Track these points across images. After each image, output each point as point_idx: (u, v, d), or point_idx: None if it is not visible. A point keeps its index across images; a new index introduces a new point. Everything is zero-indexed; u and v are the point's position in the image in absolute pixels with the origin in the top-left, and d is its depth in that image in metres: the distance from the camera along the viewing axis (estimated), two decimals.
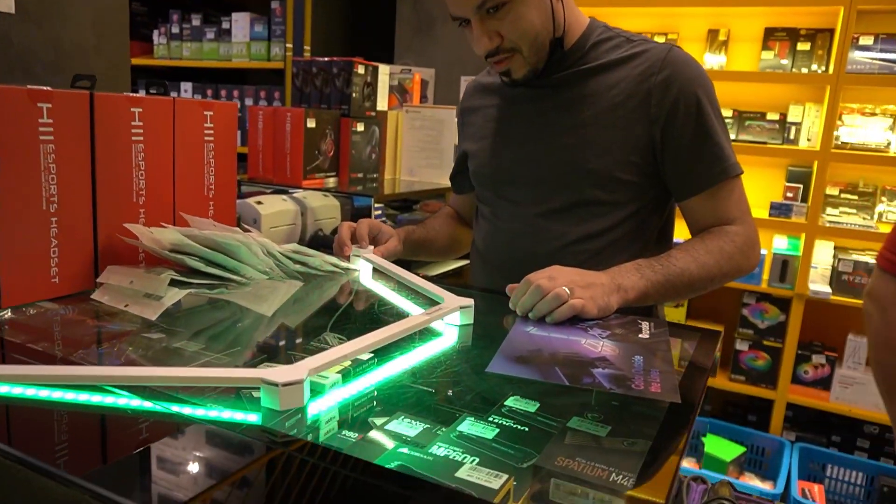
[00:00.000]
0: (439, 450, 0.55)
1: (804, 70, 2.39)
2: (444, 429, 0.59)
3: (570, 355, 0.77)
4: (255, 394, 0.59)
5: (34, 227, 0.84)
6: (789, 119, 2.44)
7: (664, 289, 0.99)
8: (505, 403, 0.65)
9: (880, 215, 2.40)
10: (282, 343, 0.84)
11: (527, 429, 0.60)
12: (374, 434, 0.57)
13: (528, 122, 1.15)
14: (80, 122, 0.87)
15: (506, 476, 0.52)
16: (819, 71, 2.37)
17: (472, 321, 0.85)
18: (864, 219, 2.39)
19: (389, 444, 0.56)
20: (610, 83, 1.08)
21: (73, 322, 0.81)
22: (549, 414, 0.64)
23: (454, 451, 0.55)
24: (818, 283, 2.37)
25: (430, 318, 0.78)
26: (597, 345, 0.81)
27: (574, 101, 1.10)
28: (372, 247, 1.12)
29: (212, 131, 1.05)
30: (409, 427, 0.59)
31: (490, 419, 0.62)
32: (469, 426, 0.60)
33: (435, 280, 1.00)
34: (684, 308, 2.61)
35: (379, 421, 0.60)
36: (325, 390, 0.62)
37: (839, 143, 2.31)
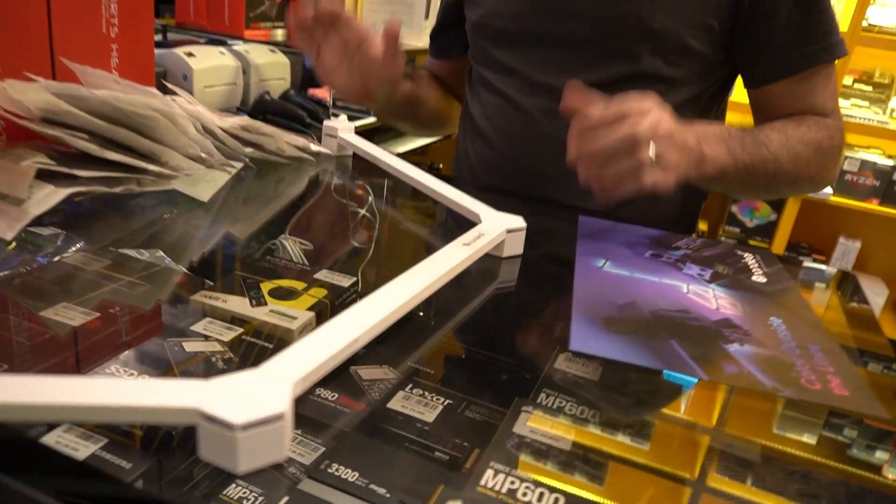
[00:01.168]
0: (496, 480, 0.31)
1: None
2: (479, 413, 0.36)
3: (681, 317, 0.51)
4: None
5: None
6: None
7: (744, 175, 0.71)
8: (556, 367, 0.42)
9: (892, 111, 2.18)
10: (223, 254, 0.55)
11: (596, 414, 0.37)
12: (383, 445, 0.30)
13: None
14: None
15: None
16: None
17: (521, 251, 0.57)
18: (876, 113, 2.17)
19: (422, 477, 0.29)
20: None
21: None
22: (621, 387, 0.41)
23: (521, 484, 0.31)
24: None
25: (473, 255, 0.49)
26: (707, 295, 0.55)
27: None
28: (352, 125, 0.80)
29: None
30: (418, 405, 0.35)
31: (546, 400, 0.38)
32: (525, 423, 0.36)
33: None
34: None
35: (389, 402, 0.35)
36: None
37: (866, 24, 2.03)
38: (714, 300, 0.54)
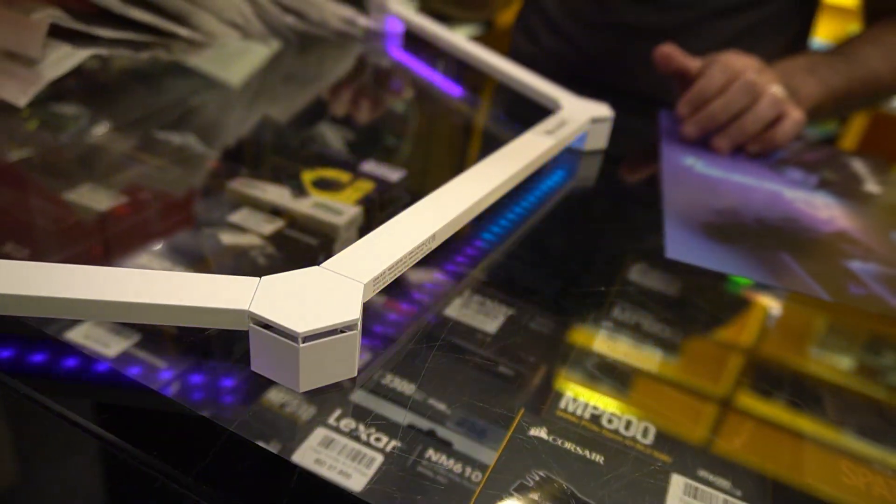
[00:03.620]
0: (577, 405, 0.27)
1: None
2: (545, 324, 0.31)
3: (790, 226, 0.44)
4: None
5: None
6: None
7: (843, 99, 0.64)
8: (629, 278, 0.36)
9: None
10: (260, 140, 0.50)
11: (679, 336, 0.30)
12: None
13: None
14: None
15: None
16: None
17: (605, 145, 0.50)
18: None
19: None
20: None
21: None
22: (703, 303, 0.35)
23: (606, 411, 0.26)
24: None
25: (557, 144, 0.41)
26: (815, 203, 0.48)
27: None
28: None
29: None
30: (477, 314, 0.30)
31: (618, 314, 0.32)
32: (607, 341, 0.30)
33: None
34: None
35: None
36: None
37: None
38: (825, 209, 0.47)
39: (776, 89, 0.52)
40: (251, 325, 0.22)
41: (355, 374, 0.24)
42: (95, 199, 0.37)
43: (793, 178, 0.52)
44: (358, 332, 0.23)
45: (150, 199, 0.39)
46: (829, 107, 0.63)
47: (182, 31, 0.50)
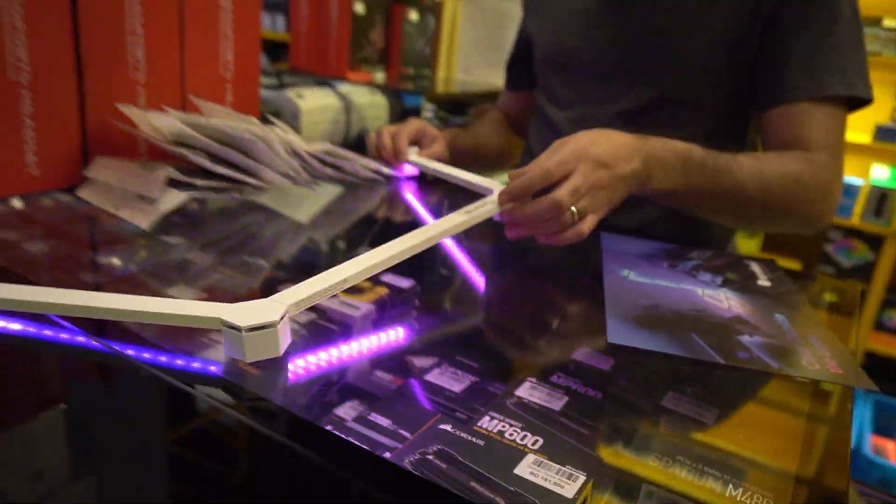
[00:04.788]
0: (491, 423, 0.39)
1: None
2: (499, 388, 0.44)
3: (699, 315, 0.58)
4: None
5: None
6: None
7: (698, 199, 0.72)
8: (572, 357, 0.49)
9: None
10: (305, 257, 0.67)
11: (600, 394, 0.44)
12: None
13: None
14: None
15: (583, 478, 0.35)
16: None
17: None
18: None
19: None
20: None
21: (51, 223, 0.65)
22: (628, 376, 0.48)
23: (510, 427, 0.39)
24: None
25: (470, 219, 0.59)
26: (719, 297, 0.62)
27: None
28: (416, 147, 0.93)
29: None
30: (449, 380, 0.44)
31: (555, 379, 0.46)
32: (529, 390, 0.44)
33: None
34: (759, 238, 2.37)
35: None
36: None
37: None
38: (726, 301, 0.61)
39: (568, 214, 0.60)
40: (223, 326, 0.41)
41: (279, 354, 0.42)
42: (185, 295, 0.51)
43: (703, 280, 0.66)
44: (275, 329, 0.41)
45: (220, 295, 0.53)
46: (684, 197, 0.71)
47: (251, 181, 0.73)
